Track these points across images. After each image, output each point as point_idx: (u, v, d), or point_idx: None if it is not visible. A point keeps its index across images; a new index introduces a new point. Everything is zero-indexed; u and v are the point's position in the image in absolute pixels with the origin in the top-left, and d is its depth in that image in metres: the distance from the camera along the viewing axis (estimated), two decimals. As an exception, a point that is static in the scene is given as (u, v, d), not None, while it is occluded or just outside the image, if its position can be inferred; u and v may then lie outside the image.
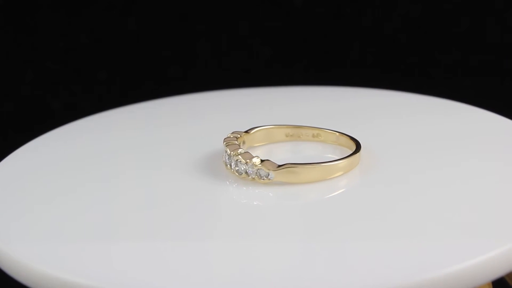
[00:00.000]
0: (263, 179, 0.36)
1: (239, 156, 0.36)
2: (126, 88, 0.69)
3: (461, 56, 0.69)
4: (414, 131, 0.42)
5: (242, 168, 0.36)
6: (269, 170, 0.35)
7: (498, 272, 0.30)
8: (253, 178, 0.36)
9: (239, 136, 0.38)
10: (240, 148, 0.37)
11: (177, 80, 0.69)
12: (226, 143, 0.37)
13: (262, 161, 0.36)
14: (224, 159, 0.37)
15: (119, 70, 0.69)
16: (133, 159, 0.40)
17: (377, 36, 0.69)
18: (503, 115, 0.43)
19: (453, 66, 0.69)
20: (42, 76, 0.69)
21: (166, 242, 0.32)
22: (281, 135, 0.40)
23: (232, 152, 0.36)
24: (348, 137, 0.39)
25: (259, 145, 0.40)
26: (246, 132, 0.39)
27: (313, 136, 0.40)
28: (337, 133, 0.39)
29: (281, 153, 0.39)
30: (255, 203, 0.35)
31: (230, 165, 0.36)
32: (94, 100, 0.69)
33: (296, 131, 0.40)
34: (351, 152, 0.37)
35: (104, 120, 0.46)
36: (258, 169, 0.36)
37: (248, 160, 0.36)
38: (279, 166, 0.35)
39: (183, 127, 0.44)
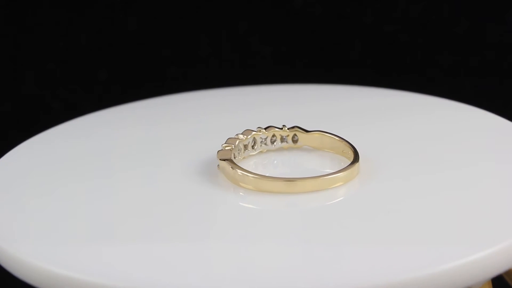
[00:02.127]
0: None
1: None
2: (126, 88, 0.69)
3: (461, 56, 0.69)
4: (414, 131, 0.42)
5: None
6: (218, 164, 0.36)
7: (495, 270, 0.30)
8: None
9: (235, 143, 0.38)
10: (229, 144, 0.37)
11: (177, 79, 0.69)
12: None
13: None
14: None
15: (119, 70, 0.69)
16: (132, 157, 0.40)
17: (377, 36, 0.69)
18: (503, 115, 0.43)
19: (453, 66, 0.69)
20: (42, 76, 0.69)
21: (164, 242, 0.32)
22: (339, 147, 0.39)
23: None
24: (349, 147, 0.37)
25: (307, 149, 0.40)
26: (307, 131, 0.39)
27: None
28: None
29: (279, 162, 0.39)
30: (250, 206, 0.35)
31: None
32: (94, 100, 0.69)
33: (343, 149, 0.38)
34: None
35: (103, 118, 0.46)
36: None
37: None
38: (219, 164, 0.36)
39: (182, 125, 0.44)
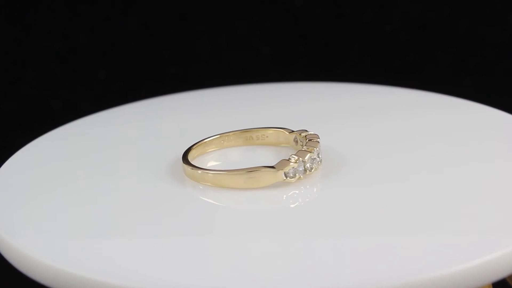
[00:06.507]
0: None
1: None
2: (126, 88, 0.69)
3: (461, 56, 0.69)
4: (413, 128, 0.42)
5: None
6: None
7: (495, 275, 0.30)
8: None
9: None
10: None
11: (177, 79, 0.70)
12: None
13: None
14: None
15: (119, 70, 0.69)
16: (132, 156, 0.40)
17: (377, 35, 0.69)
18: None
19: (453, 65, 0.69)
20: (42, 75, 0.69)
21: (159, 239, 0.32)
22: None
23: None
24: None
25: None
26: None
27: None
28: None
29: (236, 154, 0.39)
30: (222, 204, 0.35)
31: None
32: (94, 100, 0.69)
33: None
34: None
35: (103, 118, 0.46)
36: None
37: None
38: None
39: (183, 124, 0.44)
